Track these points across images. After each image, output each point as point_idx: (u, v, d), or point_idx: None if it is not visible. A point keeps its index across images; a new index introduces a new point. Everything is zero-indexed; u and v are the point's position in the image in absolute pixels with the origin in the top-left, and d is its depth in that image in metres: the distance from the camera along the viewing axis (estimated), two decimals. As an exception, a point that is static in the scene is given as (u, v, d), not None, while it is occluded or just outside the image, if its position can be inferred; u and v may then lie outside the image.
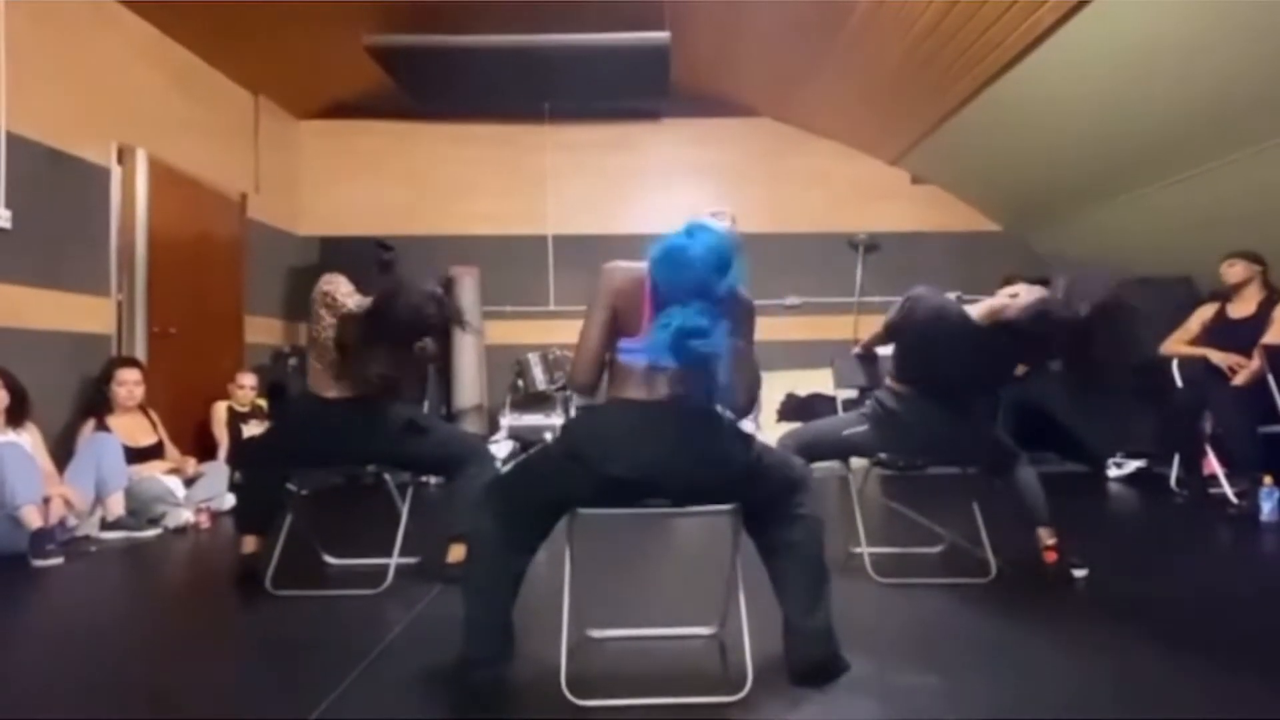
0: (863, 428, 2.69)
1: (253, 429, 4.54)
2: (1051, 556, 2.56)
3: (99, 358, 4.00)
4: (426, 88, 5.63)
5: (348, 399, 2.57)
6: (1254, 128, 3.82)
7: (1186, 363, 4.15)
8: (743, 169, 6.38)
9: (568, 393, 5.75)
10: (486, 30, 4.84)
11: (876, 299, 6.15)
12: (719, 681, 1.80)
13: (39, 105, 3.73)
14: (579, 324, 1.85)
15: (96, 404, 3.81)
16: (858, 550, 2.70)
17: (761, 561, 1.82)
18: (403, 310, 2.43)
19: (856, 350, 3.14)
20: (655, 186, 6.30)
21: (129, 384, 3.85)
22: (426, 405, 5.48)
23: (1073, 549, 2.61)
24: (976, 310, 2.58)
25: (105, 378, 3.85)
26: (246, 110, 5.60)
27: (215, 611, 2.51)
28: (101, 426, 3.72)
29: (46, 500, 3.15)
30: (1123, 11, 3.53)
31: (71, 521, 3.31)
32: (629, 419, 1.72)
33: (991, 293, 5.84)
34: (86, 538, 3.38)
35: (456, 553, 2.62)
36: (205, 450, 4.44)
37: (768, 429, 5.50)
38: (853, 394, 4.87)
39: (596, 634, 2.07)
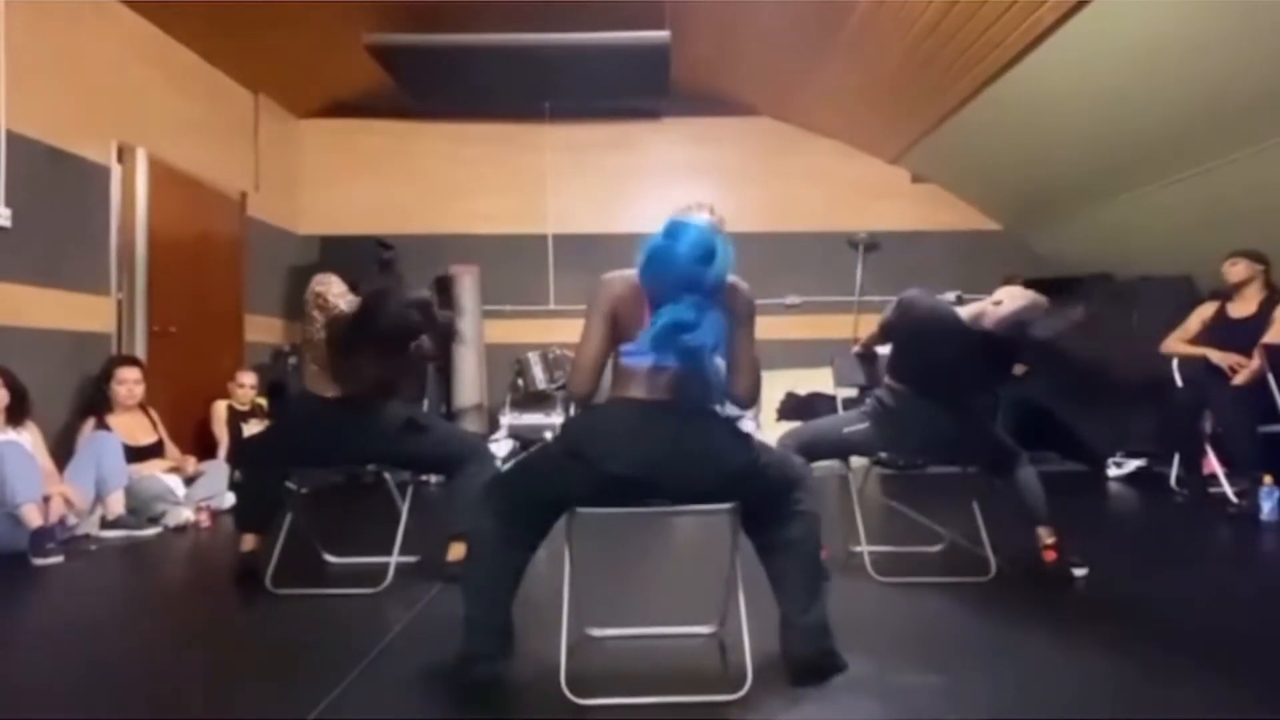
0: (862, 426, 2.69)
1: (253, 428, 4.54)
2: (1051, 556, 2.56)
3: (99, 356, 4.00)
4: (427, 87, 5.63)
5: (345, 398, 2.57)
6: (1254, 127, 3.82)
7: (1186, 362, 4.15)
8: (743, 168, 6.37)
9: (567, 393, 5.76)
10: (487, 29, 4.84)
11: (876, 298, 6.15)
12: (718, 680, 1.80)
13: (39, 104, 3.72)
14: (579, 323, 1.85)
15: (96, 403, 3.81)
16: (858, 549, 2.70)
17: (759, 559, 1.82)
18: (386, 316, 2.44)
19: (856, 349, 3.15)
20: (655, 186, 6.30)
21: (129, 383, 3.85)
22: (426, 404, 5.48)
23: (1073, 548, 2.61)
24: (966, 312, 2.59)
25: (105, 376, 3.85)
26: (247, 109, 5.60)
27: (215, 610, 2.51)
28: (101, 425, 3.72)
29: (46, 499, 3.15)
30: (1123, 11, 3.53)
31: (71, 520, 3.31)
32: (629, 418, 1.73)
33: (991, 292, 5.86)
34: (86, 536, 3.38)
35: (456, 551, 2.62)
36: (205, 449, 4.44)
37: (767, 428, 5.50)
38: (852, 393, 4.87)
39: (596, 633, 2.07)
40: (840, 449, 2.77)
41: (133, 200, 4.26)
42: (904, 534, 3.31)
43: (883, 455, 2.79)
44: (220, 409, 4.60)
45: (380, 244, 5.91)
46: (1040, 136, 4.90)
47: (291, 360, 5.31)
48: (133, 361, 3.98)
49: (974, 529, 2.72)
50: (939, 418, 2.59)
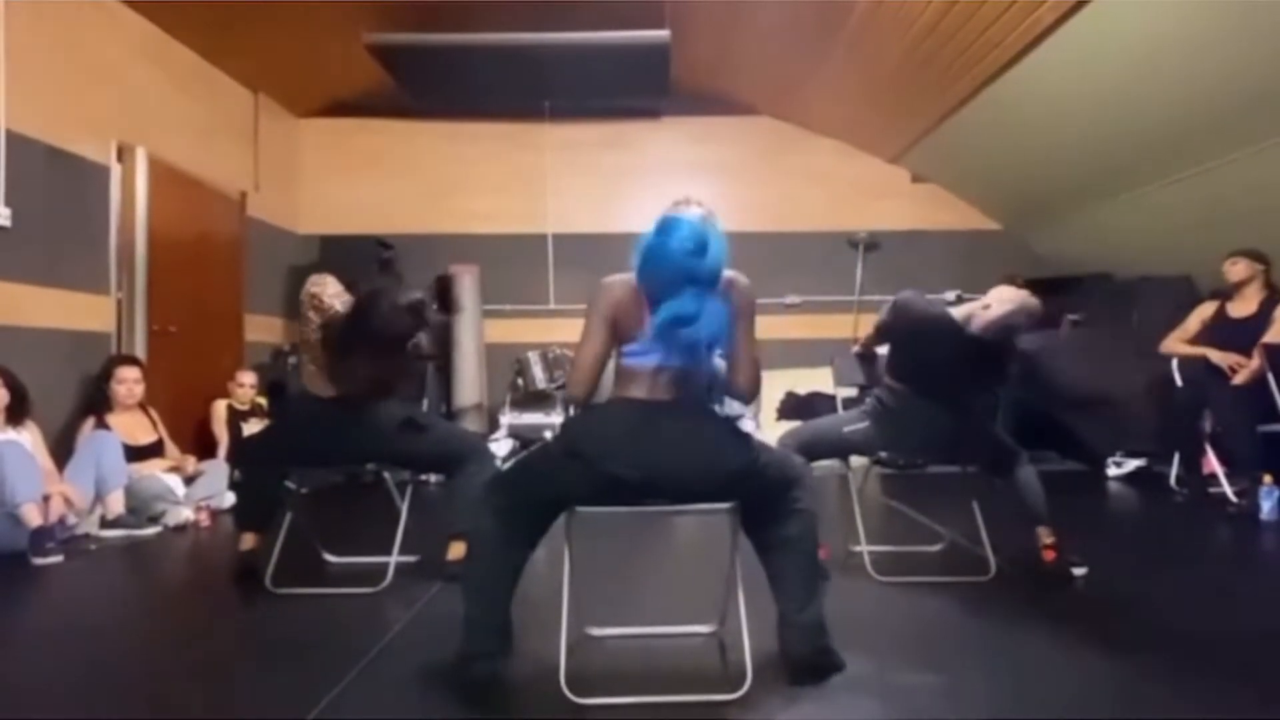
0: (862, 425, 2.69)
1: (252, 427, 4.54)
2: (1050, 555, 2.56)
3: (99, 356, 4.00)
4: (426, 86, 5.63)
5: (342, 398, 2.57)
6: (1254, 127, 3.82)
7: (1186, 362, 4.14)
8: (743, 167, 6.37)
9: (566, 395, 5.75)
10: (486, 29, 4.84)
11: (876, 298, 6.14)
12: (718, 679, 1.80)
13: (39, 103, 3.72)
14: (579, 323, 1.86)
15: (96, 402, 3.81)
16: (857, 549, 2.70)
17: (757, 556, 1.82)
18: (379, 318, 2.44)
19: (855, 349, 3.15)
20: (655, 185, 6.28)
21: (129, 382, 3.85)
22: (426, 403, 5.47)
23: (1072, 548, 2.61)
24: (959, 313, 2.60)
25: (105, 376, 3.84)
26: (246, 108, 5.60)
27: (215, 610, 2.51)
28: (101, 425, 3.72)
29: (46, 498, 3.15)
30: (1122, 10, 3.53)
31: (71, 519, 3.31)
32: (629, 418, 1.74)
33: (990, 290, 5.83)
34: (86, 536, 3.38)
35: (456, 550, 2.62)
36: (205, 448, 4.44)
37: (767, 428, 5.50)
38: (852, 392, 4.87)
39: (596, 632, 2.07)
40: (840, 448, 2.77)
41: (132, 200, 4.26)
42: (904, 533, 3.31)
43: (882, 455, 2.79)
44: (220, 408, 4.60)
45: (380, 243, 5.92)
46: (1040, 136, 4.90)
47: (291, 360, 5.31)
48: (132, 361, 3.98)
49: (974, 529, 2.72)
50: (938, 417, 2.59)
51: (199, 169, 4.89)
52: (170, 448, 4.06)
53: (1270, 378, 3.74)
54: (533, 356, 5.74)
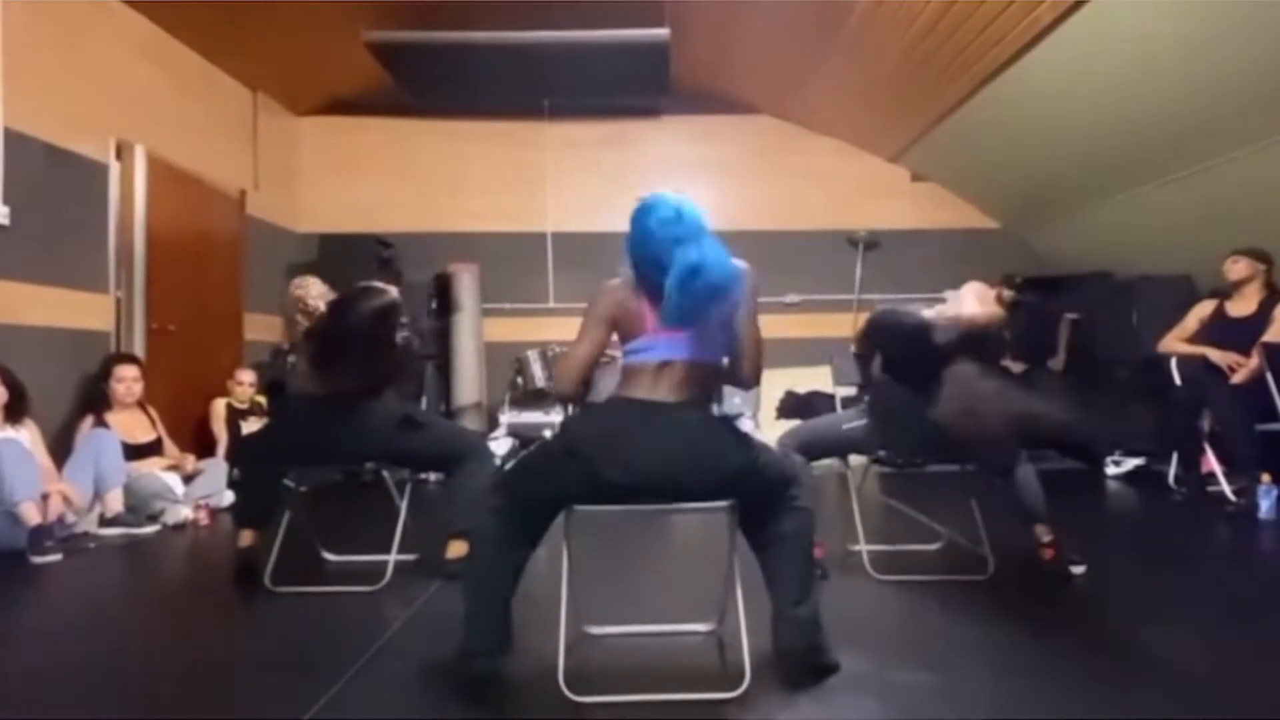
0: (860, 422, 2.69)
1: (252, 426, 4.54)
2: (1049, 553, 2.56)
3: (97, 354, 3.99)
4: (426, 84, 5.62)
5: (335, 397, 2.57)
6: (1253, 126, 3.82)
7: (1185, 360, 4.14)
8: (742, 166, 6.37)
9: (553, 389, 5.75)
10: (486, 27, 4.84)
11: (876, 296, 6.14)
12: (717, 678, 1.80)
13: (37, 101, 3.72)
14: (578, 321, 1.87)
15: (95, 401, 3.81)
16: (856, 548, 2.70)
17: (753, 553, 1.82)
18: (351, 322, 2.44)
19: (853, 349, 3.16)
20: (655, 184, 6.17)
21: (127, 381, 3.85)
22: (425, 402, 5.48)
23: (1071, 546, 2.61)
24: (933, 314, 2.64)
25: (104, 374, 3.85)
26: (245, 107, 5.59)
27: (214, 608, 2.51)
28: (100, 423, 3.72)
29: (45, 497, 3.16)
30: (1121, 10, 3.53)
31: (70, 518, 3.31)
32: (628, 420, 1.73)
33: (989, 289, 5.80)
34: (85, 534, 3.38)
35: (455, 548, 2.62)
36: (204, 447, 4.44)
37: (766, 427, 5.50)
38: (851, 391, 4.87)
39: (594, 630, 2.07)
40: (839, 447, 2.77)
41: (131, 198, 4.25)
42: (902, 532, 3.31)
43: (881, 454, 2.79)
44: (219, 407, 4.60)
45: (379, 242, 5.91)
46: (1039, 135, 4.90)
47: (291, 358, 5.27)
48: (131, 359, 3.98)
49: (972, 527, 2.72)
50: (933, 412, 2.58)
51: (198, 167, 4.89)
52: (169, 446, 4.06)
53: (1269, 377, 3.74)
54: (532, 355, 5.74)
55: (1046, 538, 2.57)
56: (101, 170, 4.15)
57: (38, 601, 2.65)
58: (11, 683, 1.91)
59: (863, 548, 2.66)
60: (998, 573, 2.59)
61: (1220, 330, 4.05)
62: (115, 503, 3.50)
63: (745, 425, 2.43)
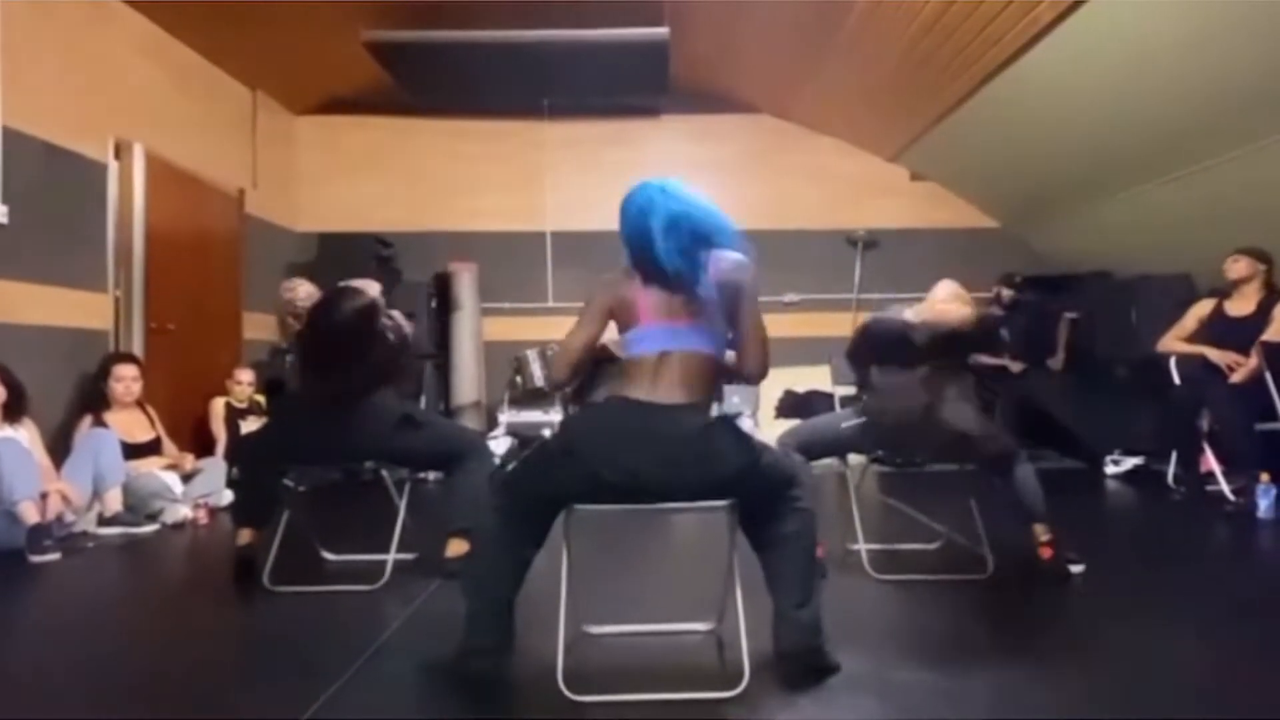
0: (858, 420, 2.69)
1: (250, 425, 4.53)
2: (1047, 552, 2.56)
3: (96, 354, 3.99)
4: (424, 83, 5.61)
5: (330, 397, 2.56)
6: (1252, 125, 3.82)
7: (1184, 360, 4.15)
8: (742, 165, 6.36)
9: (548, 378, 5.75)
10: (485, 26, 4.83)
11: (875, 295, 6.14)
12: (716, 677, 1.80)
13: (36, 100, 3.71)
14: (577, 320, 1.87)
15: (94, 400, 3.81)
16: (855, 547, 2.70)
17: (754, 553, 1.82)
18: (333, 323, 2.44)
19: (846, 356, 3.16)
20: (654, 183, 6.28)
21: (126, 380, 3.85)
22: (424, 401, 5.48)
23: (1070, 545, 2.62)
24: (912, 314, 2.68)
25: (102, 374, 3.84)
26: (244, 106, 5.59)
27: (212, 607, 2.51)
28: (99, 422, 3.71)
29: (44, 496, 3.15)
30: (1120, 9, 3.53)
31: (69, 517, 3.31)
32: (625, 421, 1.72)
33: (990, 289, 5.86)
34: (84, 533, 3.38)
35: (455, 547, 2.62)
36: (203, 446, 4.44)
37: (766, 426, 5.50)
38: (851, 390, 4.85)
39: (594, 629, 2.07)
40: (838, 445, 2.77)
41: (130, 197, 4.25)
42: (901, 531, 3.31)
43: (880, 453, 2.79)
44: (218, 406, 4.60)
45: (379, 241, 5.91)
46: (1038, 134, 4.90)
47: (289, 357, 5.29)
48: (130, 359, 3.97)
49: (971, 526, 2.72)
50: (928, 406, 2.58)
51: (197, 166, 4.88)
52: (168, 445, 4.06)
53: (1268, 376, 3.74)
54: (531, 354, 5.73)
55: (1045, 537, 2.57)
56: (100, 169, 4.14)
57: (36, 601, 2.65)
58: (10, 682, 1.91)
59: (862, 547, 2.66)
60: (997, 572, 2.59)
61: (1219, 329, 4.05)
62: (114, 502, 3.50)
63: (745, 424, 2.42)
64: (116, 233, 4.21)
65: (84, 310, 4.02)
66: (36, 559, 2.95)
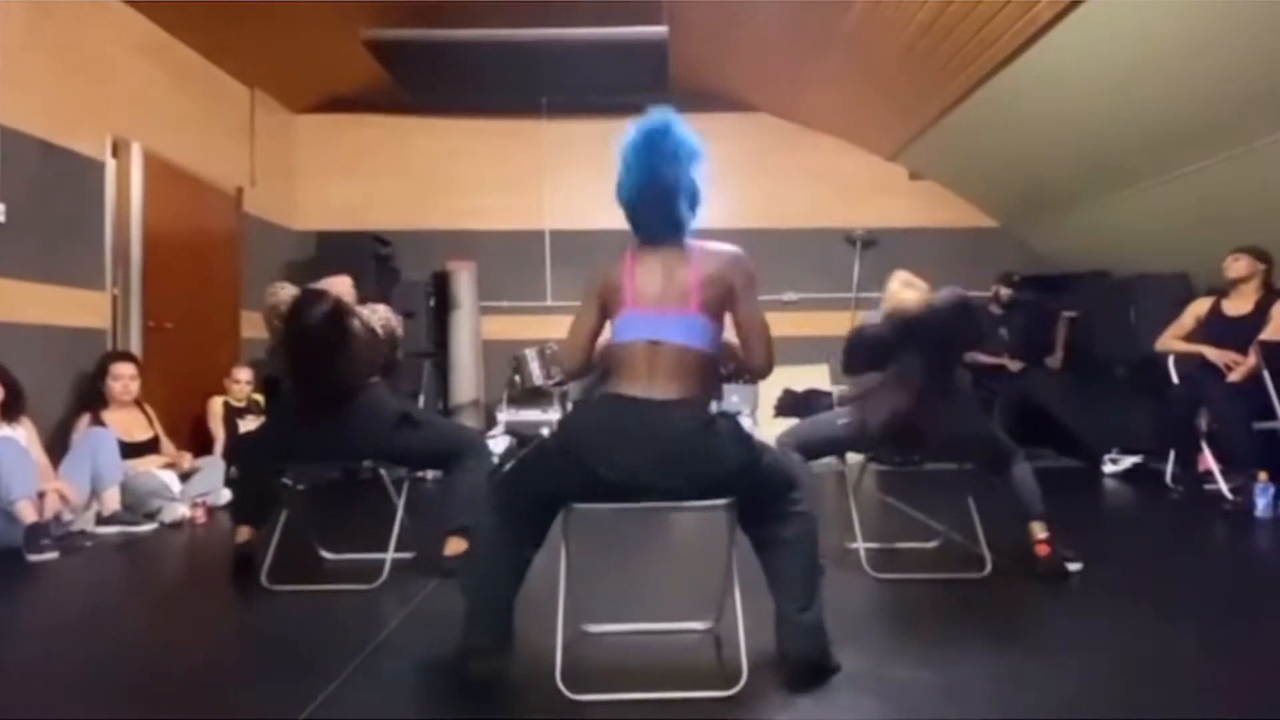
0: (856, 417, 2.69)
1: (249, 424, 4.53)
2: (1045, 550, 2.56)
3: (94, 352, 3.98)
4: (423, 82, 5.61)
5: (323, 396, 2.56)
6: (1251, 125, 3.82)
7: (1182, 359, 4.15)
8: (741, 164, 6.36)
9: (564, 388, 5.75)
10: (484, 24, 4.83)
11: (874, 295, 6.11)
12: (714, 676, 1.80)
13: (33, 99, 3.71)
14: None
15: (91, 399, 3.81)
16: (853, 545, 2.70)
17: (756, 556, 1.81)
18: (303, 336, 2.44)
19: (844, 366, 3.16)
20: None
21: (124, 379, 3.84)
22: (422, 400, 5.48)
23: (1067, 543, 2.62)
24: (878, 314, 2.69)
25: (100, 372, 3.84)
26: (242, 104, 5.58)
27: (211, 606, 2.51)
28: (97, 421, 3.71)
29: (41, 495, 3.15)
30: (1119, 8, 3.53)
31: (67, 516, 3.30)
32: (622, 420, 1.71)
33: (988, 289, 5.86)
34: (82, 532, 3.37)
35: (454, 546, 2.62)
36: (201, 445, 4.44)
37: (764, 425, 5.51)
38: (850, 391, 4.85)
39: (592, 628, 2.07)
40: (836, 444, 2.77)
41: (128, 195, 4.24)
42: (899, 530, 3.31)
43: (878, 452, 2.79)
44: (216, 405, 4.60)
45: (377, 239, 5.90)
46: (1037, 133, 4.90)
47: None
48: (128, 357, 3.97)
49: (969, 525, 2.73)
50: (923, 401, 2.58)
51: (195, 164, 4.87)
52: (166, 444, 4.05)
53: (1266, 375, 3.74)
54: (530, 353, 5.73)
55: (1042, 534, 2.58)
56: (98, 167, 4.14)
57: (34, 600, 2.64)
58: (8, 681, 1.90)
59: (860, 545, 2.66)
60: (995, 571, 2.59)
61: (1217, 329, 4.06)
62: (112, 501, 3.49)
63: (744, 424, 2.41)
64: (114, 231, 4.20)
65: (82, 309, 4.01)
66: (34, 558, 2.94)
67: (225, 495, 3.95)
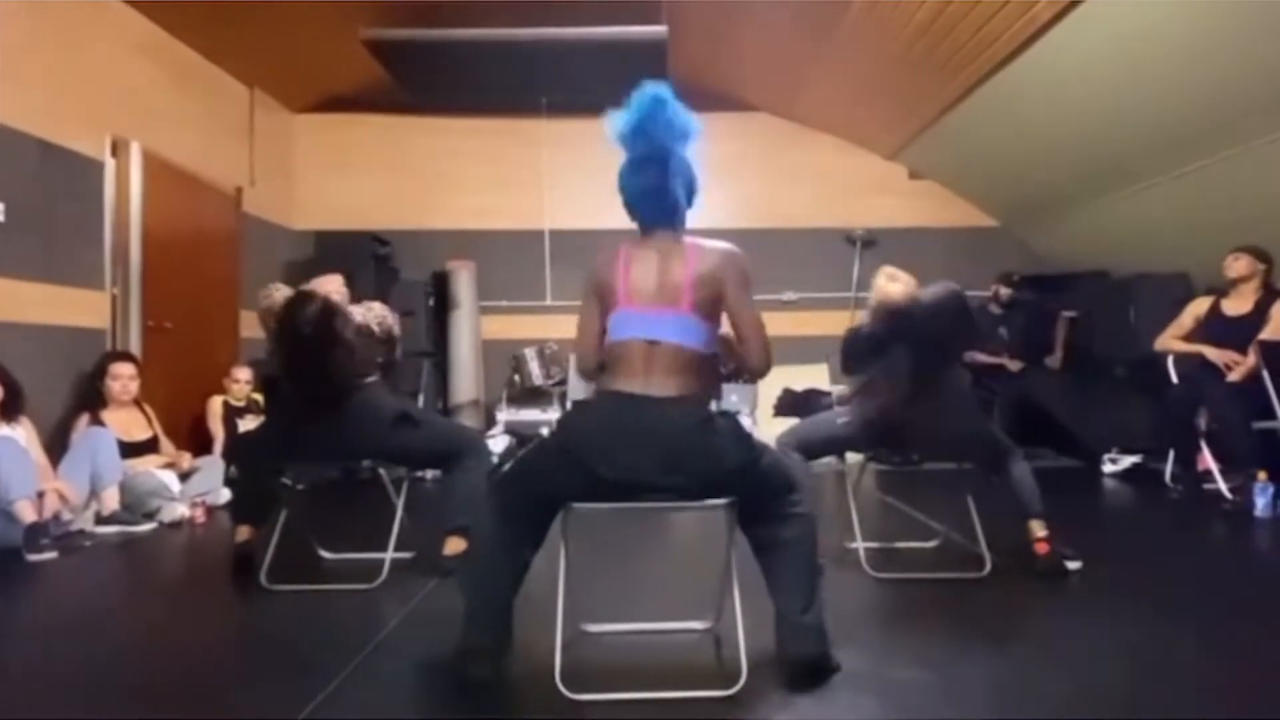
0: (855, 417, 2.69)
1: (248, 423, 4.52)
2: (1043, 548, 2.56)
3: (93, 352, 3.98)
4: (422, 82, 5.60)
5: (320, 396, 2.55)
6: (1250, 125, 3.81)
7: (1182, 359, 4.15)
8: (741, 164, 6.36)
9: (564, 388, 5.75)
10: (484, 24, 4.83)
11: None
12: (713, 676, 1.80)
13: (32, 98, 3.71)
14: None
15: (91, 398, 3.80)
16: (853, 545, 2.70)
17: (755, 557, 1.81)
18: (292, 333, 2.45)
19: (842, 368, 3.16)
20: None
21: (123, 378, 3.84)
22: (422, 399, 5.48)
23: (1067, 542, 2.62)
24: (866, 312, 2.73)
25: (99, 372, 3.84)
26: (242, 104, 5.58)
27: (210, 606, 2.51)
28: (96, 421, 3.71)
29: (41, 494, 3.14)
30: (1119, 7, 3.53)
31: (66, 516, 3.30)
32: (621, 417, 1.70)
33: (988, 288, 5.86)
34: (81, 532, 3.37)
35: (453, 545, 2.62)
36: (200, 445, 4.43)
37: (764, 424, 5.51)
38: (849, 390, 4.86)
39: (591, 628, 2.07)
40: (836, 443, 2.77)
41: (127, 195, 4.24)
42: (899, 530, 3.31)
43: (877, 451, 2.79)
44: (215, 404, 4.59)
45: (376, 239, 5.90)
46: (1037, 133, 4.90)
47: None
48: (127, 357, 3.97)
49: (969, 525, 2.73)
50: (919, 397, 2.58)
51: (194, 164, 4.87)
52: (165, 444, 4.05)
53: (1265, 375, 3.74)
54: (529, 353, 5.74)
55: (1041, 533, 2.58)
56: (97, 167, 4.13)
57: (33, 600, 2.64)
58: (7, 681, 1.90)
59: (859, 545, 2.66)
60: (994, 571, 2.59)
61: (1216, 328, 4.06)
62: (111, 500, 3.49)
63: (743, 423, 2.39)
64: (113, 231, 4.20)
65: (81, 308, 4.01)
66: (33, 558, 2.94)
67: (224, 495, 3.95)
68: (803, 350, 5.63)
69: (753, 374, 1.89)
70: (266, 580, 2.53)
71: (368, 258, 5.70)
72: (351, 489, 4.37)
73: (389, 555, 2.60)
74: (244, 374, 4.73)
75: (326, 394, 2.51)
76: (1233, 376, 3.86)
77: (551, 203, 6.34)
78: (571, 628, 1.95)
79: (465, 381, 5.84)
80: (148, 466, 3.79)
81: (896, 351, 2.51)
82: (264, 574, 2.54)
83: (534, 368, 5.70)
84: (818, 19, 4.63)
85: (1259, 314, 3.94)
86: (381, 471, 3.00)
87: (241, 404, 4.66)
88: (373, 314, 2.70)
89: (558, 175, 6.34)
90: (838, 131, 6.35)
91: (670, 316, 1.74)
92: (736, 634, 1.73)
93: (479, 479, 2.38)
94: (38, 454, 3.35)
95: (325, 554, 2.93)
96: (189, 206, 4.83)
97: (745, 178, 6.33)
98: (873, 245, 6.35)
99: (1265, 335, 3.83)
